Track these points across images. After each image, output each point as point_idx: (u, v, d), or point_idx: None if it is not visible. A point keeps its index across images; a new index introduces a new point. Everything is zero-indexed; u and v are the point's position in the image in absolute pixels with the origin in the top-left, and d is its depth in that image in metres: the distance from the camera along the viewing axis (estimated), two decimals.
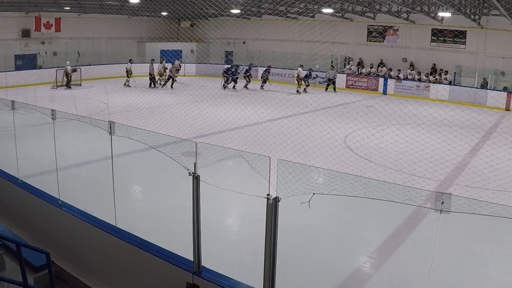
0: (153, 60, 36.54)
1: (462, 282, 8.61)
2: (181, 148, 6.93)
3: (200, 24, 44.59)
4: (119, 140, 7.90)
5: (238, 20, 43.63)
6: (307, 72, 35.60)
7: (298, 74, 35.62)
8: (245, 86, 36.17)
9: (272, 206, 5.44)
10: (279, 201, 5.40)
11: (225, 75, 35.75)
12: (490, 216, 5.05)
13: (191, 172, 6.21)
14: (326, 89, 37.09)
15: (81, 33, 40.50)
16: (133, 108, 23.85)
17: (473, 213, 4.98)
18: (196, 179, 6.21)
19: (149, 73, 35.45)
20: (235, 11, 36.49)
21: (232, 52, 46.63)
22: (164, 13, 42.14)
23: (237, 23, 43.10)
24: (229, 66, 37.44)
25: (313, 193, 5.28)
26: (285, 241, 6.32)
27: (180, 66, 37.83)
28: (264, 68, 37.42)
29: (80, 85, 34.41)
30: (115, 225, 7.66)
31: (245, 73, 36.29)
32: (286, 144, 16.29)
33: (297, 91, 35.13)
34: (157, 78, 35.95)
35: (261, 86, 36.46)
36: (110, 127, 7.79)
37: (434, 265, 5.43)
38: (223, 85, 35.55)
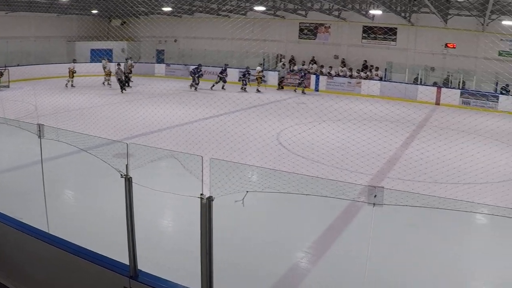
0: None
1: (398, 272, 8.70)
2: (113, 149, 6.81)
3: (130, 23, 43.98)
4: (48, 144, 7.68)
5: (169, 18, 43.26)
6: (245, 70, 35.55)
7: (258, 73, 35.67)
8: (222, 87, 35.61)
9: (206, 206, 5.36)
10: (212, 200, 5.33)
11: (192, 75, 35.29)
12: (423, 207, 5.11)
13: (123, 174, 6.07)
14: (278, 88, 37.06)
15: (9, 32, 39.45)
16: (63, 109, 23.29)
17: (406, 205, 5.02)
18: (128, 181, 6.06)
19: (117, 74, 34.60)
20: (167, 9, 36.24)
21: (163, 50, 46.16)
22: (94, 12, 41.38)
23: (168, 21, 42.76)
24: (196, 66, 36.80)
25: (247, 191, 5.24)
26: (221, 240, 6.27)
27: (133, 66, 36.74)
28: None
29: (8, 87, 33.08)
30: (47, 231, 7.46)
31: (220, 73, 35.85)
32: (218, 143, 16.22)
33: (257, 90, 34.94)
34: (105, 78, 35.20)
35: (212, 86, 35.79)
36: (39, 130, 7.57)
37: (370, 257, 5.46)
38: (191, 85, 35.00)
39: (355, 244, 9.57)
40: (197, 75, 34.83)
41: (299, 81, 35.40)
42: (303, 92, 35.51)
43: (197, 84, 34.78)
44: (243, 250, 9.55)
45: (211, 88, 34.67)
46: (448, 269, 9.11)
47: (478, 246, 10.77)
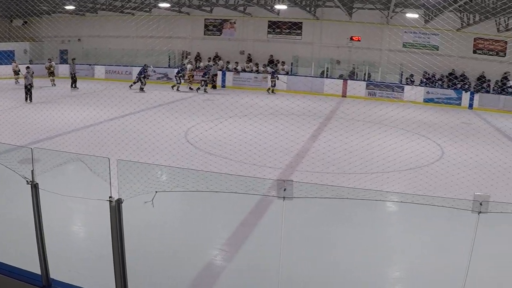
0: (74, 59, 34.91)
1: (311, 265, 8.74)
2: (17, 155, 6.55)
3: (32, 23, 42.90)
4: None
5: (72, 17, 42.21)
6: (142, 68, 34.59)
7: (190, 71, 35.06)
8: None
9: (116, 209, 5.22)
10: (122, 202, 5.20)
11: (138, 76, 34.22)
12: (334, 198, 5.14)
13: (28, 181, 5.85)
14: (213, 87, 36.29)
15: None
16: None
17: (316, 197, 5.03)
18: (34, 187, 5.84)
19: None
20: (70, 7, 35.43)
21: (67, 50, 45.06)
22: None
23: (71, 20, 41.73)
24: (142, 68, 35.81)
25: (156, 192, 5.15)
26: (134, 242, 6.15)
27: (53, 68, 35.18)
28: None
29: None
30: None
31: (139, 74, 35.00)
32: (125, 143, 15.88)
33: (190, 88, 34.45)
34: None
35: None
36: None
37: (283, 250, 5.45)
38: (140, 87, 33.73)
39: (268, 239, 9.56)
40: (142, 76, 33.84)
41: (204, 78, 35.08)
42: (213, 88, 35.53)
43: (144, 85, 33.70)
44: (156, 251, 9.37)
45: (130, 87, 34.04)
46: (362, 257, 9.22)
47: (390, 233, 10.98)
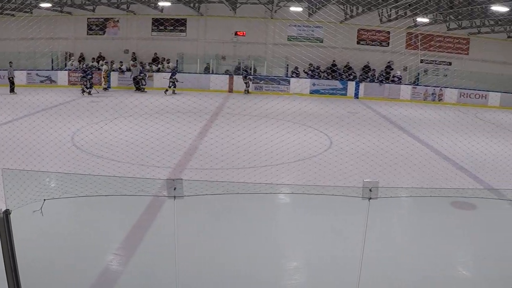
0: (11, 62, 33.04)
1: (208, 262, 8.71)
2: None
3: None
4: None
5: None
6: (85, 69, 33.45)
7: (105, 72, 34.24)
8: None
9: (3, 221, 5.04)
10: (10, 213, 5.03)
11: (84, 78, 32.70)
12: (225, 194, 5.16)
13: None
14: (137, 89, 34.80)
15: None
16: None
17: (206, 194, 5.03)
18: None
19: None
20: None
21: None
22: None
23: None
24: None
25: (44, 199, 5.01)
26: (26, 254, 5.95)
27: None
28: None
29: None
30: None
31: (84, 77, 33.66)
32: (9, 151, 15.22)
33: (105, 89, 33.67)
34: None
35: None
36: None
37: (178, 250, 5.42)
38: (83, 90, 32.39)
39: (163, 239, 9.45)
40: (89, 77, 32.68)
41: (86, 79, 34.08)
42: (105, 89, 34.65)
43: (90, 87, 32.49)
44: (50, 261, 9.06)
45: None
46: (258, 251, 9.26)
47: (284, 225, 11.09)
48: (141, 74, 34.66)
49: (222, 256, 9.01)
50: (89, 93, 32.16)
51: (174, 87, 33.29)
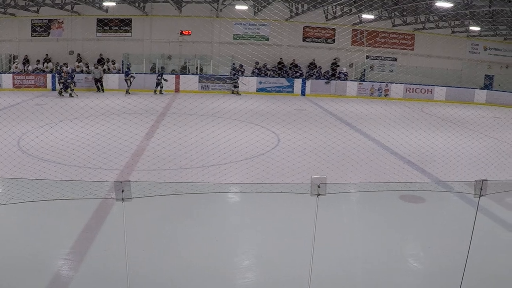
0: None
1: (161, 263, 8.69)
2: None
3: None
4: None
5: None
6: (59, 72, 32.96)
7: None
8: (160, 92, 33.46)
9: None
10: None
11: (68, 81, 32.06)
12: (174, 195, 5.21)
13: None
14: (98, 90, 34.42)
15: None
16: None
17: (155, 195, 5.08)
18: None
19: None
20: None
21: None
22: None
23: None
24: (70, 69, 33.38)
25: None
26: None
27: None
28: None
29: None
30: None
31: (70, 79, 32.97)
32: None
33: (70, 94, 32.43)
34: None
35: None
36: None
37: (130, 252, 5.45)
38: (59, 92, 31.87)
39: (113, 242, 9.40)
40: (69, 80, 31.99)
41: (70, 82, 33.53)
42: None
43: (72, 90, 31.92)
44: None
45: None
46: (209, 251, 9.28)
47: (234, 224, 11.11)
48: (127, 76, 34.28)
49: (173, 258, 8.99)
50: (71, 95, 31.89)
51: (161, 87, 33.74)
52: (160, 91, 33.69)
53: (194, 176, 13.25)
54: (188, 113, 22.10)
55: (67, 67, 34.48)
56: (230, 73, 36.19)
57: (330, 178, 5.32)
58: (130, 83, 33.56)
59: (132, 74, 33.99)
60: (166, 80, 33.85)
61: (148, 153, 15.96)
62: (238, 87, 35.54)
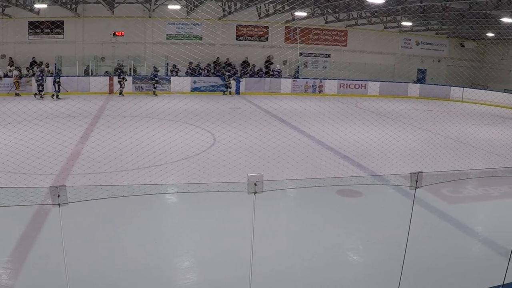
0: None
1: (102, 268, 8.59)
2: None
3: None
4: None
5: None
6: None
7: (15, 78, 32.38)
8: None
9: None
10: None
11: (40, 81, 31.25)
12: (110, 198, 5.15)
13: None
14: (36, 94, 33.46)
15: None
16: None
17: (91, 199, 5.02)
18: None
19: None
20: None
21: None
22: None
23: None
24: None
25: None
26: None
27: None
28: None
29: None
30: None
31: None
32: None
33: (16, 94, 31.81)
34: None
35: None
36: None
37: (68, 258, 5.37)
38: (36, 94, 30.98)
39: (51, 248, 9.26)
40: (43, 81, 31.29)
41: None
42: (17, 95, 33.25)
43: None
44: None
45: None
46: (149, 253, 9.27)
47: (172, 225, 11.12)
48: (120, 77, 34.39)
49: (113, 261, 8.95)
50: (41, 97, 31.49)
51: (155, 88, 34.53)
52: (121, 92, 33.76)
53: (130, 178, 13.20)
54: (122, 115, 21.90)
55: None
56: (151, 74, 36.10)
57: (266, 176, 5.35)
58: (124, 85, 33.86)
59: (124, 76, 34.22)
60: (125, 80, 33.92)
61: (83, 157, 15.75)
62: (156, 88, 35.54)
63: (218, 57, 37.79)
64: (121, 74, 34.56)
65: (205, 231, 10.54)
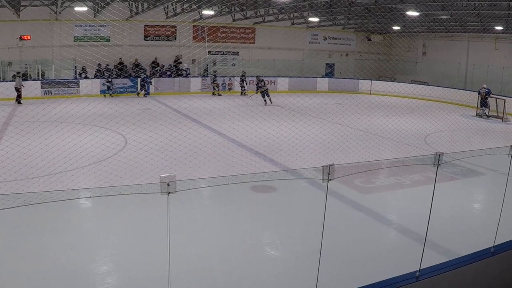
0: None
1: (17, 280, 8.38)
2: None
3: None
4: None
5: None
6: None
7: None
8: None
9: None
10: None
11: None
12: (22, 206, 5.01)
13: None
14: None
15: None
16: None
17: (3, 209, 4.88)
18: None
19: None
20: None
21: None
22: None
23: None
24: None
25: None
26: None
27: None
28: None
29: None
30: None
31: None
32: None
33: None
34: None
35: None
36: None
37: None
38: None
39: None
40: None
41: None
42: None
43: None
44: None
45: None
46: (65, 261, 9.07)
47: (88, 230, 10.95)
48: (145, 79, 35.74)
49: (29, 270, 8.72)
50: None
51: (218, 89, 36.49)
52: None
53: (41, 185, 12.89)
54: (30, 121, 21.42)
55: None
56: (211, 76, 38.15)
57: (179, 175, 5.33)
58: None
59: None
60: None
61: None
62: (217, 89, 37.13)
63: (120, 58, 37.25)
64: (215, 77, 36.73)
65: (121, 234, 10.45)
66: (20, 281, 8.31)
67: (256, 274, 8.65)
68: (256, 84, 34.14)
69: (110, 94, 35.68)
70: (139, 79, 36.57)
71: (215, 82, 37.74)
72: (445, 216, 11.34)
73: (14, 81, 31.34)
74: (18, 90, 31.23)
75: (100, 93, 35.12)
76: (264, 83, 33.66)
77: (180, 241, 8.14)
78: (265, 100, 32.88)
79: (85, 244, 9.98)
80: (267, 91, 33.15)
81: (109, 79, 35.75)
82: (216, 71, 39.04)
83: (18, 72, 32.46)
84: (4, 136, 19.64)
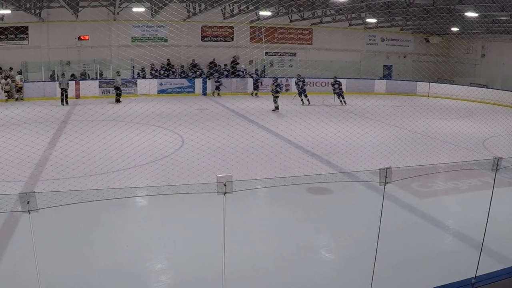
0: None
1: (73, 275, 8.49)
2: None
3: None
4: None
5: None
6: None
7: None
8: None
9: None
10: None
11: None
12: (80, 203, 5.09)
13: None
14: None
15: None
16: None
17: (60, 205, 4.96)
18: None
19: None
20: None
21: None
22: None
23: None
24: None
25: None
26: None
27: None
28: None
29: None
30: None
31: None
32: None
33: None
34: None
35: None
36: None
37: (40, 264, 5.31)
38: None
39: (23, 256, 9.13)
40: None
41: None
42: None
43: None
44: None
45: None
46: (121, 257, 9.23)
47: (143, 228, 11.08)
48: (217, 82, 36.94)
49: (85, 267, 8.83)
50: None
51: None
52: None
53: (99, 182, 13.10)
54: (89, 119, 21.74)
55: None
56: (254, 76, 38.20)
57: (236, 176, 5.33)
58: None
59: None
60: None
61: (52, 162, 15.59)
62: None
63: (168, 59, 37.45)
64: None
65: (177, 233, 10.53)
66: (75, 277, 8.42)
67: (310, 277, 8.63)
68: (296, 84, 33.66)
69: (218, 94, 36.62)
70: (212, 79, 37.06)
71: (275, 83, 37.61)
72: (502, 222, 11.12)
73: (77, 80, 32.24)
74: (117, 88, 32.46)
75: (158, 93, 35.47)
76: (304, 83, 33.40)
77: (235, 241, 8.16)
78: (302, 100, 32.73)
79: (140, 242, 10.10)
80: (305, 91, 32.98)
81: (218, 79, 36.74)
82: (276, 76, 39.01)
83: (118, 71, 33.30)
84: (63, 134, 19.96)
